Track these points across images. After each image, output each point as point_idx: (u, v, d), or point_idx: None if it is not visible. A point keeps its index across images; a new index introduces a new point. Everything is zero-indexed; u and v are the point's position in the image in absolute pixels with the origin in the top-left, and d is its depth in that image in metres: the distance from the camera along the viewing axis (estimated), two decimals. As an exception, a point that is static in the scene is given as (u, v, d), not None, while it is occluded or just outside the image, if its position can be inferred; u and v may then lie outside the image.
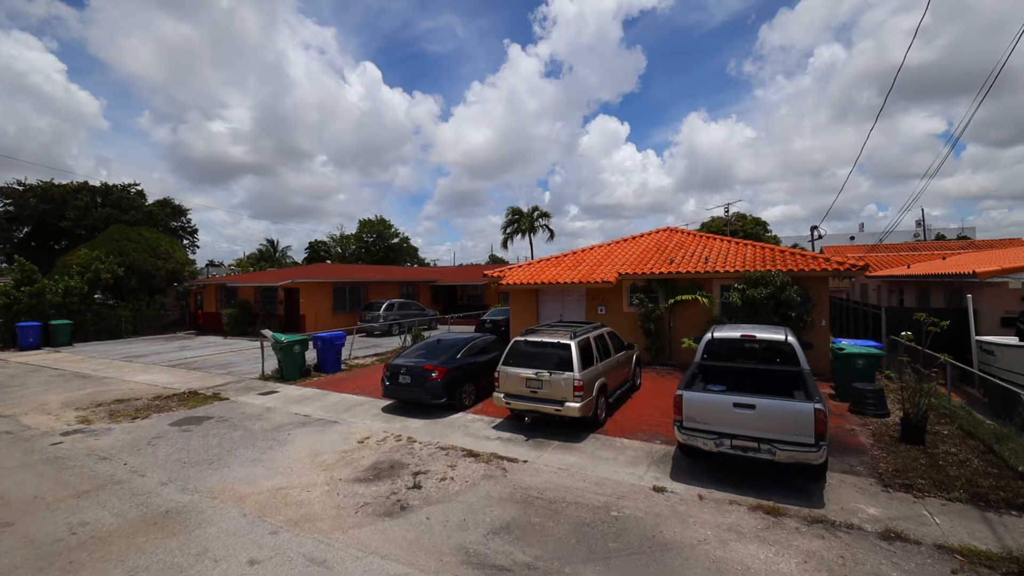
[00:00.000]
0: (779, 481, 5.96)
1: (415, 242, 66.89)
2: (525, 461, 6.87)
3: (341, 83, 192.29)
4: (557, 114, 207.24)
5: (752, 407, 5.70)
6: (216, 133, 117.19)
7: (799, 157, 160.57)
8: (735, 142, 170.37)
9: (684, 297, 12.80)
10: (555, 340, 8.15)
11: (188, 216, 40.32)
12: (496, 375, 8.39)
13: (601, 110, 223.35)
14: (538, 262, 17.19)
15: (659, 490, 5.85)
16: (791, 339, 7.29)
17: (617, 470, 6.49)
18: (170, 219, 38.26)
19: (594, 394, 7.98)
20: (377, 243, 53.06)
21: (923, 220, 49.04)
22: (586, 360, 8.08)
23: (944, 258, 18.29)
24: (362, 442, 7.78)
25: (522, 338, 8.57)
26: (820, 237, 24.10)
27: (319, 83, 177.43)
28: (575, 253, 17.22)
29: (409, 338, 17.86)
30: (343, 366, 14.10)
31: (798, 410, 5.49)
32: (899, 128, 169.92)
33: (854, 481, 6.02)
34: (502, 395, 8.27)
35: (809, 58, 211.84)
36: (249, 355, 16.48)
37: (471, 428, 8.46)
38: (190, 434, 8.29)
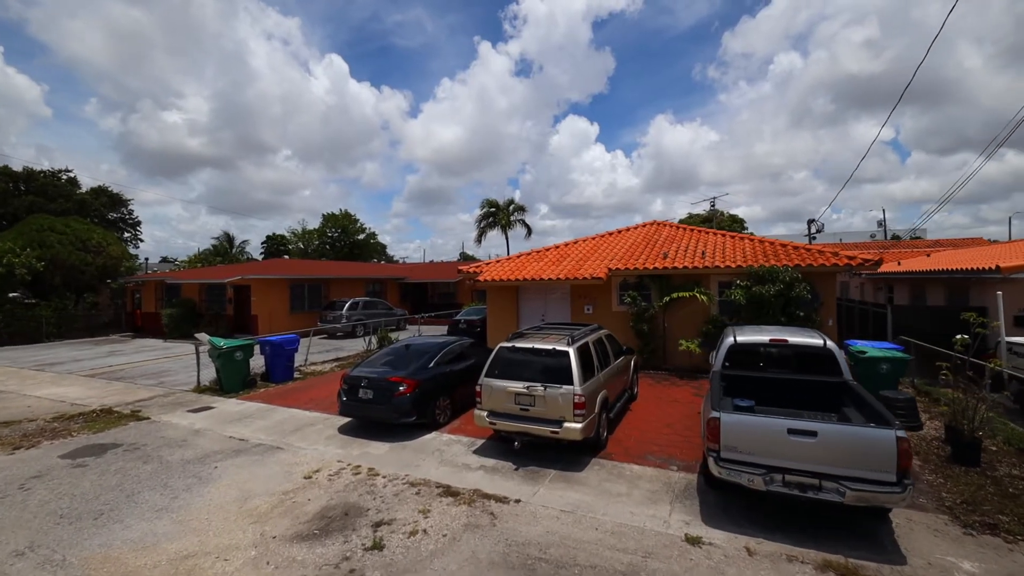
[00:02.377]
0: (835, 522, 4.78)
1: (383, 239, 63.65)
2: (518, 501, 5.45)
3: (306, 75, 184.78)
4: (527, 113, 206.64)
5: (813, 434, 4.48)
6: (171, 124, 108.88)
7: (759, 160, 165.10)
8: (700, 145, 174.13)
9: (680, 295, 11.67)
10: (550, 347, 6.77)
11: (129, 207, 36.83)
12: (478, 389, 6.94)
13: (571, 110, 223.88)
14: (518, 257, 15.79)
15: (694, 541, 4.55)
16: (830, 344, 6.17)
17: (634, 511, 5.17)
18: (107, 209, 34.76)
19: (596, 410, 6.65)
20: (342, 239, 50.20)
21: (884, 221, 50.71)
22: (587, 370, 6.74)
23: (928, 255, 18.04)
24: (309, 477, 6.17)
25: (508, 344, 7.15)
26: (818, 232, 23.78)
27: (283, 75, 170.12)
28: (558, 247, 15.92)
29: (375, 340, 16.18)
30: (296, 374, 12.31)
31: (876, 438, 4.30)
32: (852, 134, 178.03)
33: (924, 519, 4.91)
34: (485, 413, 6.82)
35: (769, 65, 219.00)
36: (188, 361, 14.32)
37: (447, 453, 6.97)
38: (84, 470, 6.45)
